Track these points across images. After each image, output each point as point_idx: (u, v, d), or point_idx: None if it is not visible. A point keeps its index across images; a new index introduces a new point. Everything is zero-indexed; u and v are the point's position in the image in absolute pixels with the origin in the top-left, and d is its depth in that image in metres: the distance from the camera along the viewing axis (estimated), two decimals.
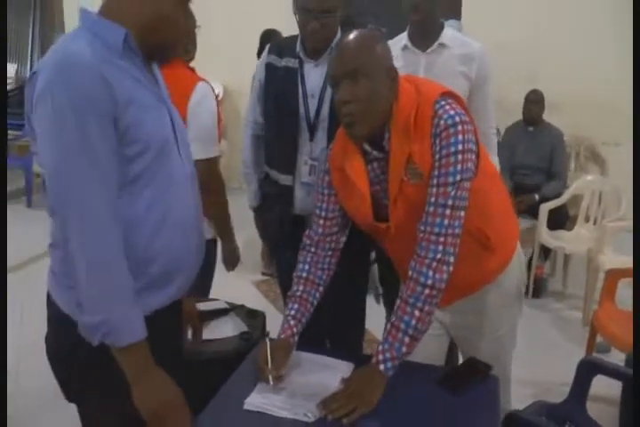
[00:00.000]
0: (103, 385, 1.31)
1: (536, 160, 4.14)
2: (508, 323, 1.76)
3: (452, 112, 1.43)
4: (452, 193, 1.42)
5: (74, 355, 1.30)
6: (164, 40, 1.30)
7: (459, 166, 1.42)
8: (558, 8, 4.76)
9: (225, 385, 1.49)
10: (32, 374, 2.17)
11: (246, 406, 1.39)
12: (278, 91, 2.12)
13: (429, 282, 1.42)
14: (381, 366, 1.42)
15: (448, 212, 1.43)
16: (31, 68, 7.19)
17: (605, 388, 2.14)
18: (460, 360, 1.81)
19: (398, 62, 2.12)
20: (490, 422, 1.42)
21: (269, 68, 2.16)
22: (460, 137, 1.42)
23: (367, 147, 1.54)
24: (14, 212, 5.29)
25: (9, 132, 5.65)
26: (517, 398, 1.96)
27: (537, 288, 3.86)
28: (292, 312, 1.60)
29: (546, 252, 4.02)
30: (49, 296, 1.34)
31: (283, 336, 1.57)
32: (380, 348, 1.44)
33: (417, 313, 1.43)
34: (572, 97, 4.69)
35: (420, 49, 2.23)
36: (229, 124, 4.88)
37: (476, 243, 1.57)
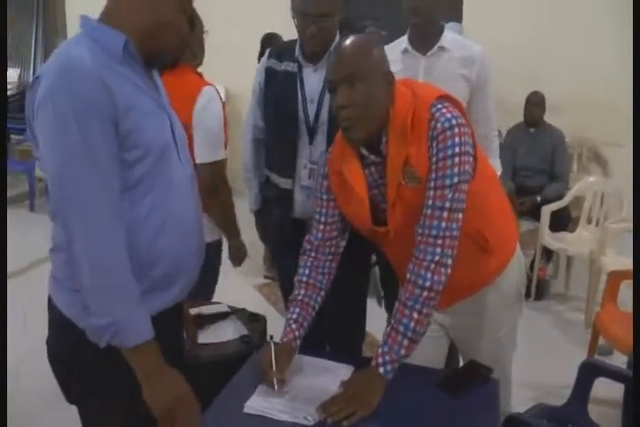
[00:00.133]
0: (103, 387, 1.32)
1: (538, 162, 4.15)
2: (508, 324, 1.76)
3: (448, 115, 1.44)
4: (450, 195, 1.43)
5: (74, 357, 1.32)
6: (163, 47, 1.31)
7: (456, 169, 1.43)
8: (558, 9, 4.76)
9: (225, 389, 1.50)
10: (33, 374, 2.18)
11: (246, 410, 1.40)
12: (278, 95, 2.13)
13: (427, 284, 1.43)
14: (381, 369, 1.43)
15: (445, 214, 1.43)
16: (34, 73, 7.21)
17: (607, 390, 2.13)
18: (461, 363, 1.81)
19: (398, 65, 2.14)
20: (490, 424, 1.42)
21: (269, 72, 2.16)
22: (457, 140, 1.42)
23: (364, 151, 1.55)
24: (17, 216, 5.32)
25: (11, 136, 5.69)
26: (519, 400, 1.97)
27: (539, 290, 3.85)
28: (294, 316, 1.61)
29: (548, 254, 4.02)
30: (50, 300, 1.36)
31: (285, 340, 1.57)
32: (380, 351, 1.45)
33: (415, 315, 1.43)
34: (573, 98, 4.69)
35: (420, 52, 2.23)
36: (230, 127, 4.88)
37: (475, 245, 1.57)
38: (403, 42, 2.28)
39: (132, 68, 1.27)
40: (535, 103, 4.16)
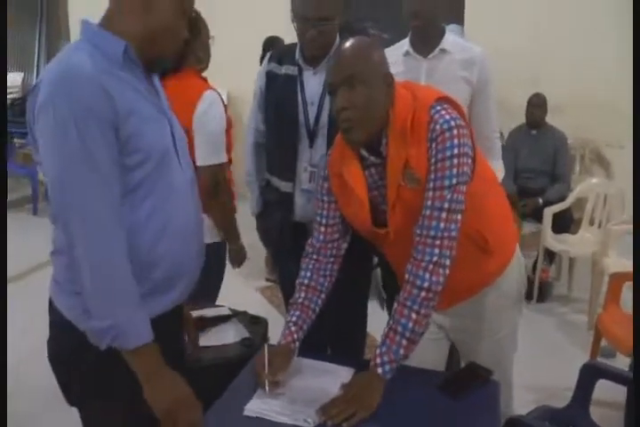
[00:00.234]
0: (104, 389, 1.33)
1: (539, 163, 4.14)
2: (508, 326, 1.76)
3: (447, 117, 1.45)
4: (448, 196, 1.43)
5: (75, 359, 1.33)
6: (163, 51, 1.32)
7: (454, 170, 1.43)
8: (559, 11, 4.75)
9: (225, 391, 1.50)
10: (34, 376, 2.19)
11: (246, 412, 1.40)
12: (278, 98, 2.14)
13: (426, 285, 1.43)
14: (379, 370, 1.43)
15: (444, 215, 1.44)
16: (37, 77, 7.23)
17: (609, 392, 2.12)
18: (462, 365, 1.81)
19: (399, 68, 2.14)
20: (490, 426, 1.42)
21: (270, 75, 2.17)
22: (456, 141, 1.43)
23: (364, 153, 1.55)
24: (20, 220, 5.34)
25: (14, 140, 5.70)
26: (520, 402, 1.96)
27: (542, 292, 3.85)
28: (294, 319, 1.61)
29: (550, 255, 4.01)
30: (51, 303, 1.37)
31: (283, 342, 1.58)
32: (378, 351, 1.45)
33: (414, 316, 1.44)
34: (575, 99, 4.68)
35: (421, 55, 2.24)
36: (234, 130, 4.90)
37: (475, 246, 1.58)
38: (404, 45, 2.28)
39: (132, 74, 1.28)
40: (537, 105, 4.16)
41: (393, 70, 1.56)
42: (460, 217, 1.45)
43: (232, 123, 2.27)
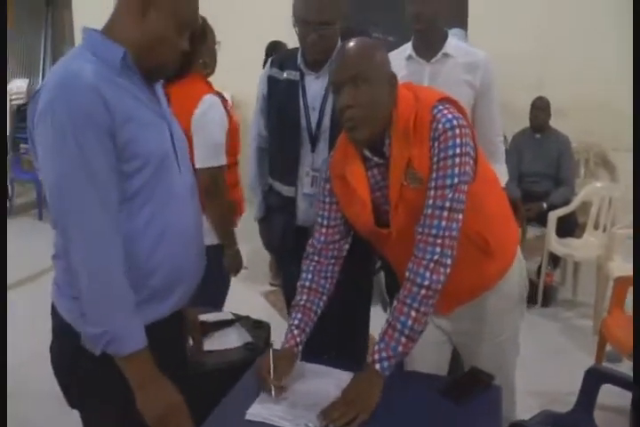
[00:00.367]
0: (103, 392, 1.34)
1: (543, 167, 4.13)
2: (509, 329, 1.75)
3: (449, 116, 1.45)
4: (450, 195, 1.44)
5: (75, 363, 1.33)
6: (160, 61, 1.33)
7: (456, 169, 1.43)
8: (561, 14, 4.74)
9: (227, 396, 1.50)
10: (36, 378, 2.19)
11: (248, 417, 1.39)
12: (280, 103, 2.14)
13: (426, 283, 1.43)
14: (377, 366, 1.43)
15: (445, 214, 1.44)
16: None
17: (613, 397, 2.11)
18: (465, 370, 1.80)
19: (403, 72, 2.14)
20: None
21: (271, 80, 2.18)
22: (458, 140, 1.43)
23: (367, 153, 1.56)
24: (25, 224, 5.36)
25: (20, 145, 5.73)
26: (524, 408, 1.95)
27: (546, 297, 3.83)
28: (296, 322, 1.61)
29: (555, 260, 3.99)
30: (53, 306, 1.37)
31: (286, 346, 1.58)
32: (376, 347, 1.45)
33: (413, 313, 1.43)
34: (579, 103, 4.66)
35: (424, 59, 2.24)
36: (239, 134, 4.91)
37: (476, 247, 1.57)
38: (407, 49, 2.29)
39: (130, 80, 1.29)
40: (540, 108, 4.15)
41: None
42: (461, 216, 1.45)
43: (238, 126, 2.27)
